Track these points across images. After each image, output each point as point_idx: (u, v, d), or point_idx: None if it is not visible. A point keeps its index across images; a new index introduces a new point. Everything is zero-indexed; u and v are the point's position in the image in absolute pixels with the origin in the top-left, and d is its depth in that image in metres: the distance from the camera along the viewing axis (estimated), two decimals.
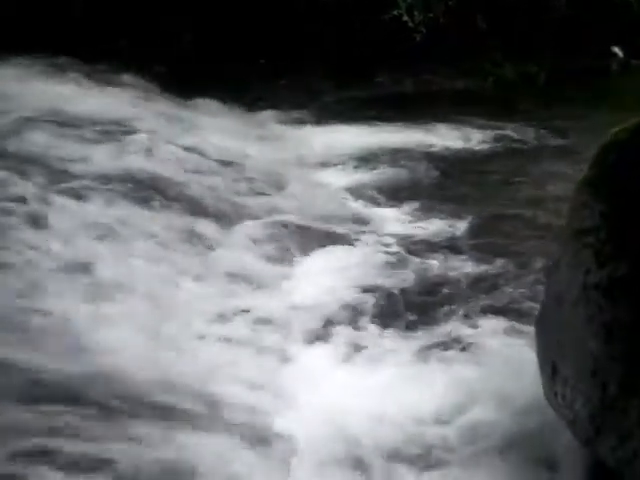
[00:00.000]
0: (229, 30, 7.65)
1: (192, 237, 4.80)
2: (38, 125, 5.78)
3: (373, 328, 4.08)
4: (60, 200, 4.79)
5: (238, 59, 7.61)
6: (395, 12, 7.72)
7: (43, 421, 3.12)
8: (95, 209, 4.81)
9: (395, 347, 3.91)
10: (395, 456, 3.24)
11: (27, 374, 3.34)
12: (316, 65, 7.72)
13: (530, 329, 3.27)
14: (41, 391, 3.27)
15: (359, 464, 3.22)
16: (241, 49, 7.66)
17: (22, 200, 4.65)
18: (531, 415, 3.21)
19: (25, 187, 4.81)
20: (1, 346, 3.45)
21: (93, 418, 3.21)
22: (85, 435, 3.11)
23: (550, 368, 2.93)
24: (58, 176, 5.08)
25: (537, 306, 3.33)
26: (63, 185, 4.96)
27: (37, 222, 4.47)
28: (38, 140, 5.58)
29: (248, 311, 4.15)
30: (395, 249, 4.87)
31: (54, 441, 3.03)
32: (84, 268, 4.23)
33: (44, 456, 2.96)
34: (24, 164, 5.12)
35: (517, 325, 3.93)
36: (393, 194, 5.74)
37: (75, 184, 5.01)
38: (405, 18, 7.71)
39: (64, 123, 5.91)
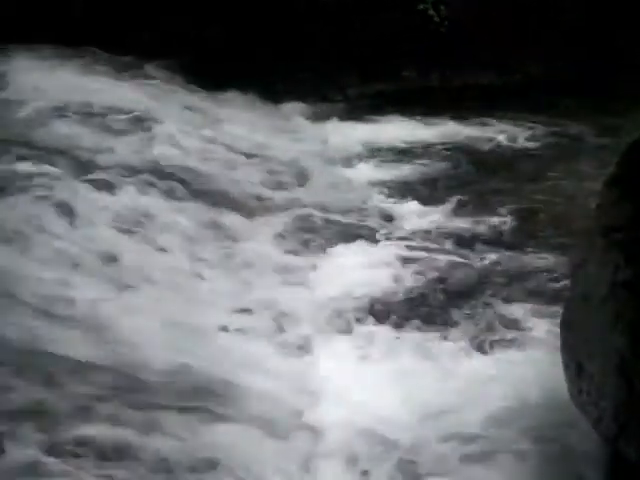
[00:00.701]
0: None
1: (216, 229, 4.81)
2: (64, 116, 5.82)
3: (400, 322, 4.09)
4: (86, 190, 4.81)
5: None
6: (421, 6, 7.69)
7: (67, 408, 3.15)
8: (120, 200, 4.83)
9: (421, 341, 3.92)
10: (417, 450, 3.24)
11: (52, 361, 3.36)
12: (339, 60, 7.71)
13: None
14: (65, 378, 3.30)
15: (380, 459, 3.21)
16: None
17: (49, 190, 4.67)
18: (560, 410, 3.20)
19: (52, 177, 4.83)
20: (27, 334, 3.47)
21: (116, 406, 3.23)
22: (108, 423, 3.13)
23: (575, 365, 2.92)
24: (84, 166, 5.10)
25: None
26: (89, 175, 4.99)
27: (64, 212, 4.49)
28: (64, 130, 5.61)
29: (271, 303, 4.17)
30: (421, 243, 4.88)
31: (78, 429, 3.06)
32: (109, 258, 4.25)
33: (68, 444, 2.99)
34: (51, 154, 5.15)
35: (548, 310, 3.94)
36: (421, 189, 5.74)
37: (101, 175, 5.03)
38: (431, 12, 7.67)
39: (90, 114, 5.94)
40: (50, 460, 2.90)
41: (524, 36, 7.70)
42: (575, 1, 7.82)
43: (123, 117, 5.96)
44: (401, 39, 7.69)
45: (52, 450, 2.93)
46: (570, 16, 7.79)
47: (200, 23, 7.59)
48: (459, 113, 7.06)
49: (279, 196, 5.39)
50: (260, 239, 4.79)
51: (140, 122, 5.95)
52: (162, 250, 4.48)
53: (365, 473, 3.17)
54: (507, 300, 4.25)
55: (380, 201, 5.56)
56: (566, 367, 3.00)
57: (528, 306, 4.17)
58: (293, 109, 7.20)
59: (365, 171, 6.08)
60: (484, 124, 6.93)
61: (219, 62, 7.38)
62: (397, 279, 4.46)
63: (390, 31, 7.69)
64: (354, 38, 7.68)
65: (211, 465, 3.07)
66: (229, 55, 7.48)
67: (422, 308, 4.23)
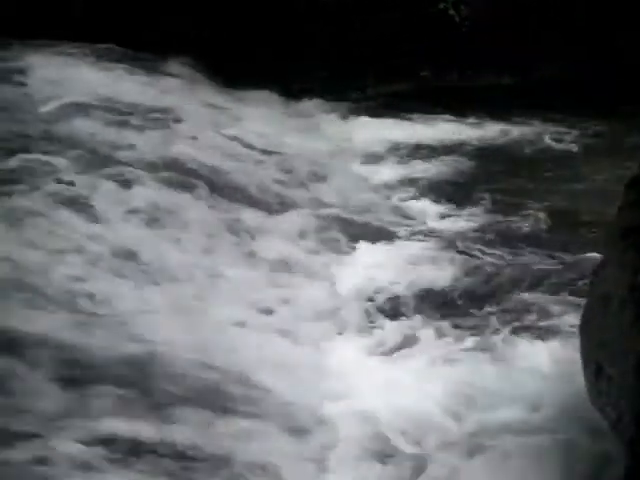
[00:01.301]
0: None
1: (235, 225, 4.83)
2: (86, 111, 5.85)
3: (419, 320, 4.11)
4: (107, 186, 4.84)
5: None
6: (441, 6, 7.68)
7: (83, 401, 3.18)
8: (140, 195, 4.85)
9: (440, 339, 3.93)
10: (437, 450, 3.24)
11: (72, 355, 3.38)
12: (357, 59, 7.71)
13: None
14: (84, 372, 3.32)
15: (396, 457, 3.22)
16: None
17: (70, 185, 4.70)
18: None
19: (73, 172, 4.86)
20: (49, 327, 3.49)
21: (134, 400, 3.26)
22: (125, 416, 3.15)
23: (594, 367, 2.91)
24: (105, 162, 5.13)
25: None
26: (110, 171, 5.01)
27: (85, 207, 4.53)
28: (86, 126, 5.64)
29: (290, 300, 4.19)
30: (446, 242, 4.88)
31: (97, 421, 3.09)
32: (129, 253, 4.27)
33: (85, 436, 3.02)
34: (72, 149, 5.18)
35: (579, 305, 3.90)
36: (441, 188, 5.75)
37: (121, 170, 5.05)
38: (451, 12, 7.65)
39: (111, 110, 5.97)
40: (66, 453, 2.93)
41: (542, 36, 7.67)
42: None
43: (144, 113, 5.99)
44: (415, 39, 7.69)
45: (68, 443, 2.97)
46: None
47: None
48: (481, 113, 7.05)
49: (297, 193, 5.40)
50: (280, 236, 4.80)
51: (160, 119, 5.97)
52: (181, 246, 4.49)
53: (384, 469, 3.17)
54: (540, 296, 4.26)
55: (403, 199, 5.57)
56: (585, 368, 2.99)
57: (560, 299, 4.18)
58: (313, 107, 7.21)
59: (388, 169, 6.09)
60: (509, 123, 6.92)
61: (237, 61, 7.40)
62: (421, 277, 4.48)
63: (403, 30, 7.69)
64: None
65: (228, 460, 3.08)
66: (244, 54, 7.50)
67: (449, 305, 4.26)
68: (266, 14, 7.59)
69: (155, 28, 7.42)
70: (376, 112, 7.22)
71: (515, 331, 3.96)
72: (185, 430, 3.16)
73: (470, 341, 3.90)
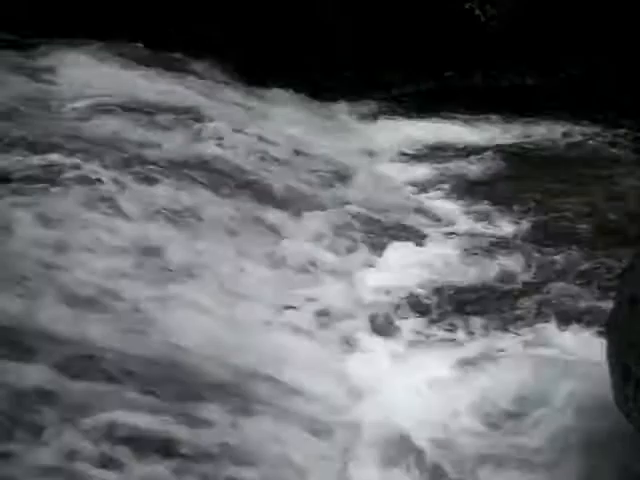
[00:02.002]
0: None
1: (260, 225, 4.84)
2: (112, 110, 5.87)
3: (448, 320, 4.10)
4: (132, 184, 4.85)
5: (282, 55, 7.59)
6: (467, 6, 7.65)
7: (107, 398, 3.18)
8: (165, 194, 4.86)
9: (470, 339, 3.93)
10: (458, 453, 3.22)
11: (95, 351, 3.39)
12: (381, 58, 7.71)
13: None
14: (107, 368, 3.33)
15: (420, 459, 3.20)
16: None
17: (96, 183, 4.72)
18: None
19: (99, 170, 4.87)
20: (72, 323, 3.51)
21: (157, 397, 3.25)
22: (149, 414, 3.15)
23: (621, 370, 2.88)
24: (130, 160, 5.14)
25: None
26: (135, 169, 5.02)
27: (110, 205, 4.54)
28: (111, 125, 5.66)
29: (314, 300, 4.19)
30: (473, 244, 4.86)
31: (119, 418, 3.08)
32: (154, 251, 4.28)
33: (109, 434, 3.02)
34: (98, 148, 5.20)
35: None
36: (466, 189, 5.72)
37: (147, 169, 5.06)
38: (477, 12, 7.62)
39: (137, 109, 5.99)
40: (90, 450, 2.94)
41: (564, 36, 7.63)
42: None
43: (170, 112, 6.01)
44: (440, 39, 7.67)
45: (92, 440, 2.97)
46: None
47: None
48: (507, 113, 7.03)
49: (322, 193, 5.40)
50: (305, 236, 4.80)
51: (186, 118, 5.99)
52: (206, 244, 4.50)
53: (404, 472, 3.16)
54: (575, 294, 4.25)
55: (433, 200, 5.56)
56: (612, 371, 2.96)
57: (595, 296, 4.18)
58: (338, 107, 7.22)
59: (417, 170, 6.07)
60: (534, 124, 6.88)
61: (260, 61, 7.41)
62: (451, 278, 4.46)
63: (428, 30, 7.67)
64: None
65: (251, 460, 3.07)
66: (266, 54, 7.51)
67: (480, 305, 4.24)
68: (287, 13, 7.61)
69: (178, 29, 7.45)
70: (402, 112, 7.21)
71: (548, 329, 3.96)
72: (208, 428, 3.16)
73: (501, 341, 3.90)
